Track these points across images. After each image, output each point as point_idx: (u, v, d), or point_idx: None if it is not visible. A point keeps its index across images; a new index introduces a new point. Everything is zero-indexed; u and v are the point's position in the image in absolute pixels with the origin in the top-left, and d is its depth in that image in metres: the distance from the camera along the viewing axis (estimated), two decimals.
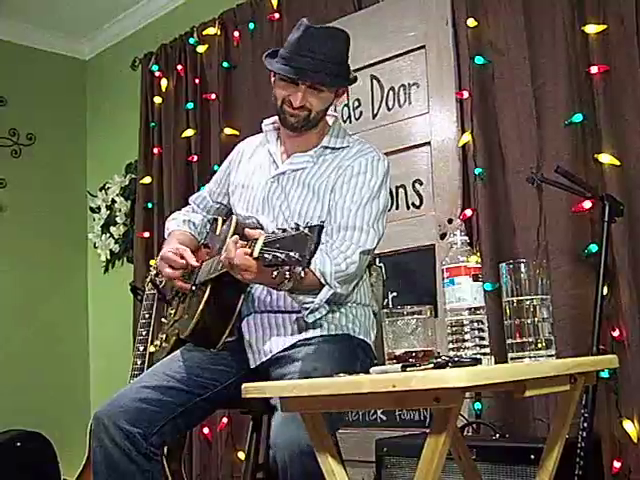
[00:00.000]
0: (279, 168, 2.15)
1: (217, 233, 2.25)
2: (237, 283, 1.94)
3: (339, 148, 2.14)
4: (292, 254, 1.55)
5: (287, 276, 1.58)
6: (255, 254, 1.61)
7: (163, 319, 2.35)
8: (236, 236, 1.81)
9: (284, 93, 2.06)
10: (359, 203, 2.02)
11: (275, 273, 1.59)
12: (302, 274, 1.57)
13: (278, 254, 1.56)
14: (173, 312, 2.28)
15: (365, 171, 2.06)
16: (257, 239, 1.62)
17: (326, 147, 2.14)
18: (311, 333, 2.03)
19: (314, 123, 2.10)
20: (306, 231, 1.57)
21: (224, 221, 2.28)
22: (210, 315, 2.00)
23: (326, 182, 2.07)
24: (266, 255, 1.58)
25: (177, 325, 2.18)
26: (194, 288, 2.10)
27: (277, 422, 1.75)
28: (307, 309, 1.95)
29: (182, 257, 2.08)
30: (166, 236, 2.32)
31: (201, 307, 1.99)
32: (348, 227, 1.99)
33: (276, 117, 2.17)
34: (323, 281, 1.85)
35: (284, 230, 1.60)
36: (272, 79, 2.13)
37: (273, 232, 1.62)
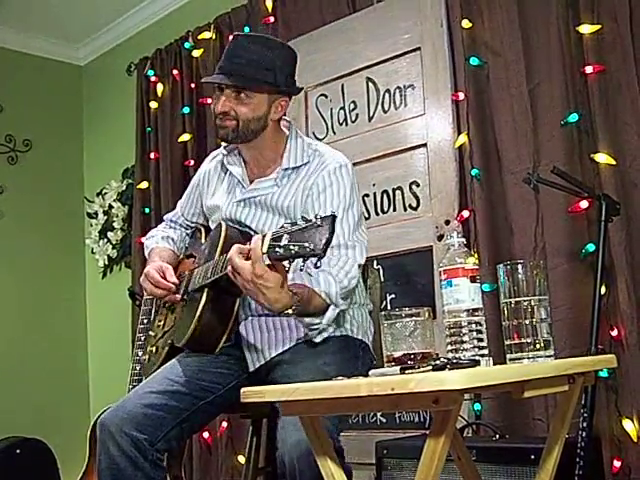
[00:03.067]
0: (245, 192, 2.14)
1: (202, 242, 2.25)
2: (233, 286, 1.94)
3: (300, 166, 2.11)
4: (306, 244, 1.51)
5: (300, 266, 1.55)
6: (265, 249, 1.58)
7: (150, 332, 2.34)
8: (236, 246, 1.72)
9: (215, 103, 2.09)
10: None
11: (287, 267, 1.58)
12: (319, 264, 1.55)
13: (291, 246, 1.52)
14: (161, 323, 2.27)
15: (331, 183, 2.04)
16: (265, 235, 1.60)
17: (287, 169, 2.11)
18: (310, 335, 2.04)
19: (247, 135, 2.07)
20: (319, 222, 1.54)
21: (207, 230, 2.28)
22: (208, 321, 1.99)
23: (294, 202, 2.06)
24: (277, 249, 1.54)
25: (168, 335, 2.17)
26: (185, 297, 2.10)
27: (284, 423, 1.74)
28: (314, 329, 1.94)
29: (164, 276, 2.09)
30: (146, 254, 2.34)
31: (198, 313, 1.97)
32: (333, 246, 1.92)
33: None
34: (329, 301, 1.87)
35: (293, 224, 1.56)
36: None
37: (282, 226, 1.58)
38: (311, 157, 2.11)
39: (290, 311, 1.75)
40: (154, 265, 2.13)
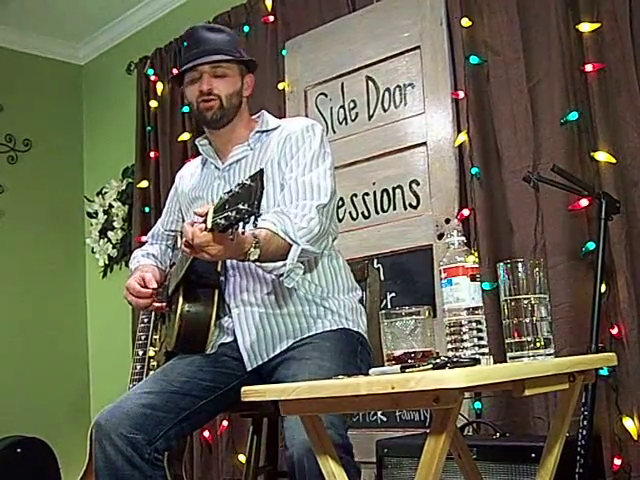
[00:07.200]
0: (222, 167, 2.20)
1: (179, 246, 2.27)
2: (207, 276, 1.94)
3: (273, 129, 2.19)
4: (241, 206, 1.52)
5: (242, 230, 1.56)
6: (209, 225, 1.59)
7: (152, 348, 2.35)
8: (189, 220, 1.74)
9: (193, 89, 2.15)
10: (305, 165, 2.05)
11: (231, 236, 1.58)
12: (257, 222, 1.56)
13: (229, 213, 1.54)
14: (158, 337, 2.29)
15: (303, 136, 2.11)
16: (207, 212, 1.61)
17: (260, 131, 2.19)
18: (307, 332, 2.04)
19: (231, 112, 2.16)
20: (248, 182, 1.55)
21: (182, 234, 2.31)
22: (189, 316, 2.02)
23: (270, 160, 2.11)
24: (218, 221, 1.56)
25: (164, 345, 2.19)
26: (169, 302, 2.12)
27: (288, 424, 1.74)
28: (281, 274, 1.86)
29: (145, 285, 2.11)
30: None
31: (179, 310, 2.00)
32: (299, 191, 2.00)
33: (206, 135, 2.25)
34: (288, 240, 1.82)
35: (229, 191, 1.58)
36: (184, 92, 2.23)
37: (220, 197, 1.60)
38: (283, 122, 2.23)
39: (254, 250, 1.70)
40: (134, 277, 2.15)
